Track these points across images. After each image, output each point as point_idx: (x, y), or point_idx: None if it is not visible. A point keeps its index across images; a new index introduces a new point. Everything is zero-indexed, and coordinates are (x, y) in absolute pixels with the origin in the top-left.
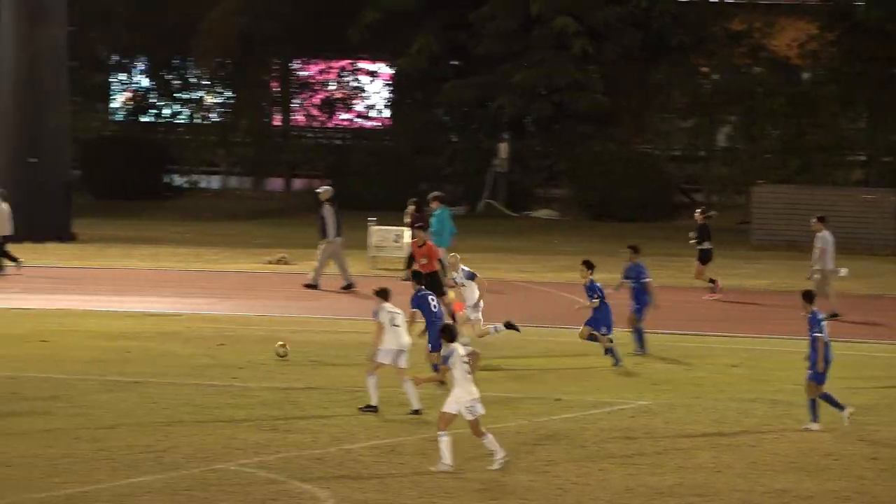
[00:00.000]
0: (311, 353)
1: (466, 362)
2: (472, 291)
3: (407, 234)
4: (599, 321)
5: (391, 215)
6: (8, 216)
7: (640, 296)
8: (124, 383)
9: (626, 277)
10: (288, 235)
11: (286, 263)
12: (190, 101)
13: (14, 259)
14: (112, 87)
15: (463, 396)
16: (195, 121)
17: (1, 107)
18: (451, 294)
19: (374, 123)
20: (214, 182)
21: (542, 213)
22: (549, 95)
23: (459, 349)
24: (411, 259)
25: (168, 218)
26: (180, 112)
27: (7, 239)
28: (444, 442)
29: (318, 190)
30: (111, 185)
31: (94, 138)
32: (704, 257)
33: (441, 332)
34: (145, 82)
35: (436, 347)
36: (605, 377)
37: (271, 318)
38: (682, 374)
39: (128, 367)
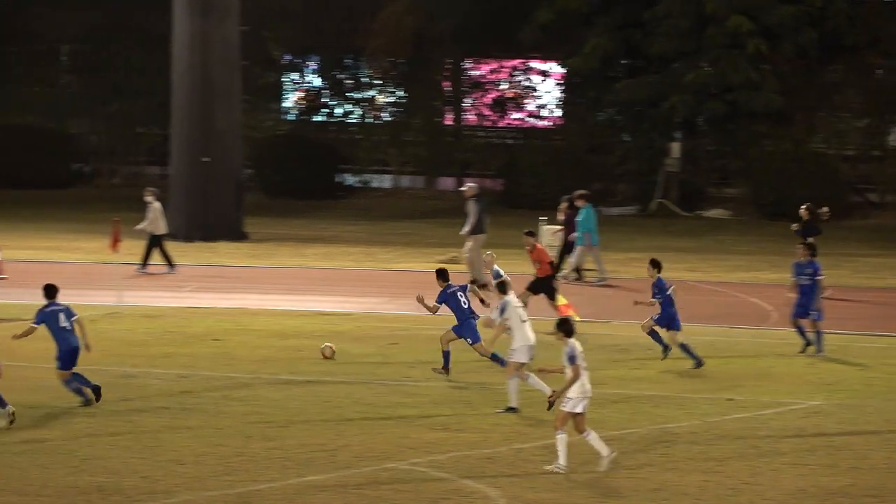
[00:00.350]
0: None
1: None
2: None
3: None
4: (663, 319)
5: None
6: (161, 214)
7: (811, 294)
8: (296, 382)
9: (799, 275)
10: (459, 235)
11: (457, 263)
12: (362, 100)
13: (146, 261)
14: (284, 87)
15: (574, 391)
16: (367, 120)
17: (175, 106)
18: (560, 298)
19: (546, 123)
20: (386, 181)
21: (715, 212)
22: (723, 95)
23: (578, 345)
24: (562, 256)
25: (340, 217)
26: (352, 111)
27: (161, 238)
28: (593, 437)
29: (462, 188)
30: (283, 185)
31: (267, 137)
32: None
33: (558, 328)
34: (317, 82)
35: (475, 340)
36: (778, 377)
37: (442, 318)
38: (854, 375)
39: (299, 365)
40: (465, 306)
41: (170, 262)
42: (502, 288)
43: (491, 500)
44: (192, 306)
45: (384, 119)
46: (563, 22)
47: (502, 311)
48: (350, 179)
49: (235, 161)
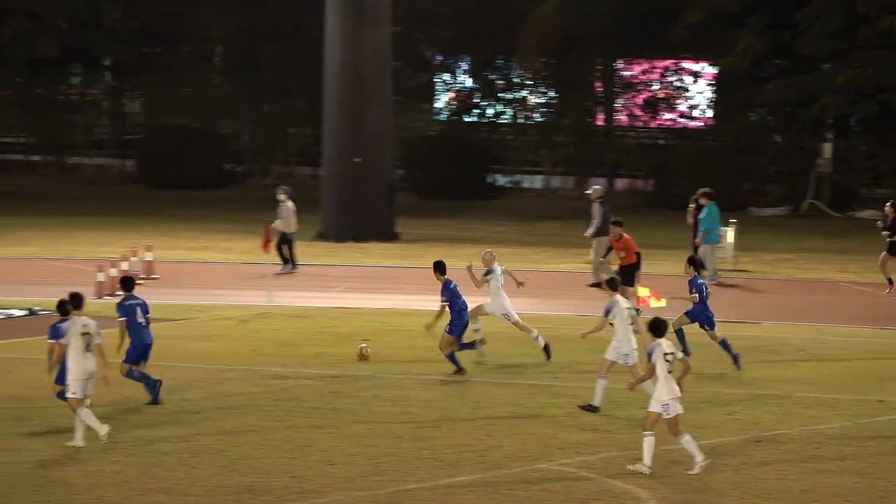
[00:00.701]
0: None
1: (669, 360)
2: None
3: (728, 233)
4: (696, 317)
5: None
6: (293, 213)
7: None
8: (446, 382)
9: None
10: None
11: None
12: (513, 100)
13: (287, 260)
14: (436, 87)
15: (662, 395)
16: (518, 121)
17: (327, 107)
18: (640, 289)
19: (697, 123)
20: (537, 181)
21: (867, 213)
22: (875, 95)
23: (664, 345)
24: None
25: (491, 217)
26: (504, 112)
27: (286, 236)
28: (648, 442)
29: (587, 191)
30: (434, 185)
31: (418, 138)
32: (894, 249)
33: (650, 328)
34: (469, 82)
35: (454, 333)
36: None
37: (590, 319)
38: None
39: (449, 366)
40: (460, 300)
41: (289, 260)
42: (613, 285)
43: (641, 501)
44: (342, 306)
45: (535, 119)
46: (712, 22)
47: (608, 311)
48: (501, 180)
49: (387, 162)
